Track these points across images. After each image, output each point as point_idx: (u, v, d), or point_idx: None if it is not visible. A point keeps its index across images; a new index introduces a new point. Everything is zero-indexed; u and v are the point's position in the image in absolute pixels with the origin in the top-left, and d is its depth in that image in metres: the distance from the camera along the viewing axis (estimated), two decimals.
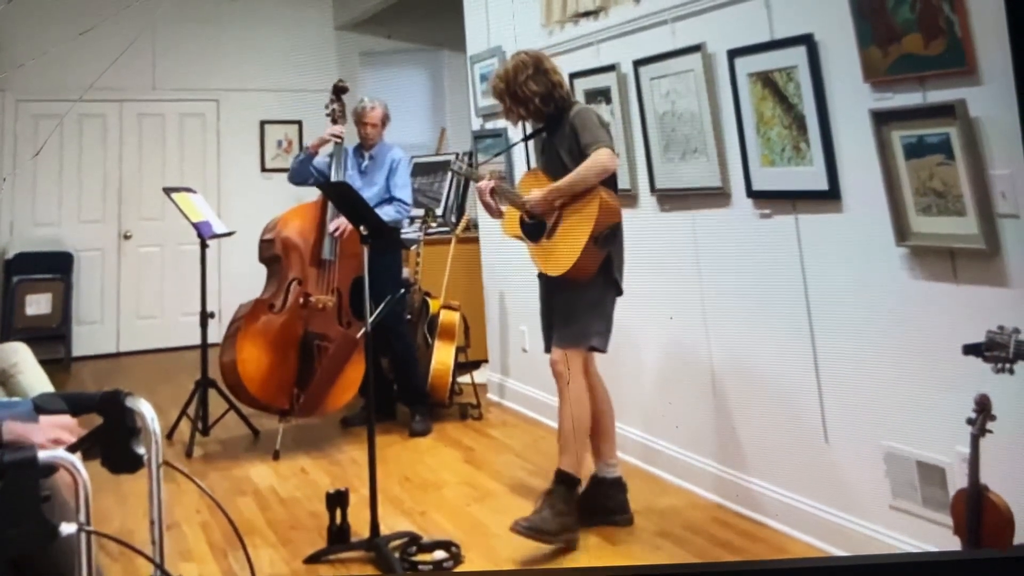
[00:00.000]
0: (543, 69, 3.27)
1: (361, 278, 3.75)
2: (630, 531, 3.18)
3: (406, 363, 4.46)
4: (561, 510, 3.08)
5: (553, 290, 3.26)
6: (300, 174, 4.35)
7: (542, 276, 3.32)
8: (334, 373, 4.10)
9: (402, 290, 4.00)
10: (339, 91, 4.40)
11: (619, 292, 3.23)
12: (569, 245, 3.16)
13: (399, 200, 4.38)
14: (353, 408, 4.30)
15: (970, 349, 2.47)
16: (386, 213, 4.30)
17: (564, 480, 3.13)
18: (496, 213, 3.40)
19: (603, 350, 3.19)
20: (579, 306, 3.17)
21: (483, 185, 3.37)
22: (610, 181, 3.19)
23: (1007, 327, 2.42)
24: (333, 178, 4.28)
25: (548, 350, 3.31)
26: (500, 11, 4.62)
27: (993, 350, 2.43)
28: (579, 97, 3.89)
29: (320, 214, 4.23)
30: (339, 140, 4.33)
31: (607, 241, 3.16)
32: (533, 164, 4.38)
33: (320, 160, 4.35)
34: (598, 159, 3.13)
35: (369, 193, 4.34)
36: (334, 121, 4.36)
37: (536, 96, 3.26)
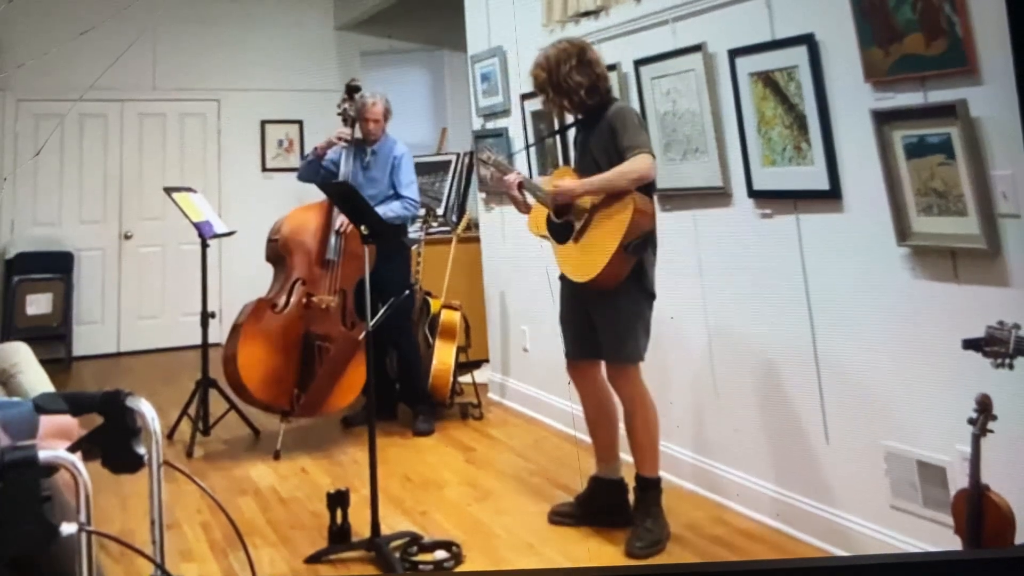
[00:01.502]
0: (587, 60, 3.16)
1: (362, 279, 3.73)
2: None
3: (411, 363, 4.45)
4: (657, 512, 3.08)
5: (587, 301, 3.14)
6: (308, 175, 4.35)
7: (567, 280, 3.21)
8: (335, 374, 4.09)
9: (406, 292, 3.99)
10: (352, 91, 4.39)
11: (653, 298, 3.14)
12: (597, 251, 3.05)
13: (407, 197, 4.36)
14: (354, 407, 4.29)
15: (969, 344, 2.47)
16: (392, 209, 4.29)
17: (649, 485, 3.11)
18: (524, 208, 3.30)
19: (643, 359, 3.13)
20: (625, 321, 3.08)
21: (512, 178, 3.27)
22: (648, 185, 3.09)
23: (1007, 322, 2.42)
24: (342, 175, 4.28)
25: (569, 355, 3.25)
26: (501, 11, 4.62)
27: (992, 345, 2.43)
28: None
29: (326, 214, 4.21)
30: (346, 143, 4.33)
31: (638, 249, 3.05)
32: (534, 163, 4.40)
33: (330, 157, 4.35)
34: (637, 165, 3.01)
35: (373, 190, 4.33)
36: (344, 120, 4.36)
37: (580, 88, 3.13)
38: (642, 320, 3.11)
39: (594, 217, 3.09)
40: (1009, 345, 2.40)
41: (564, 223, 3.16)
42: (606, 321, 3.11)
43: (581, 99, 3.15)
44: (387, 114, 4.42)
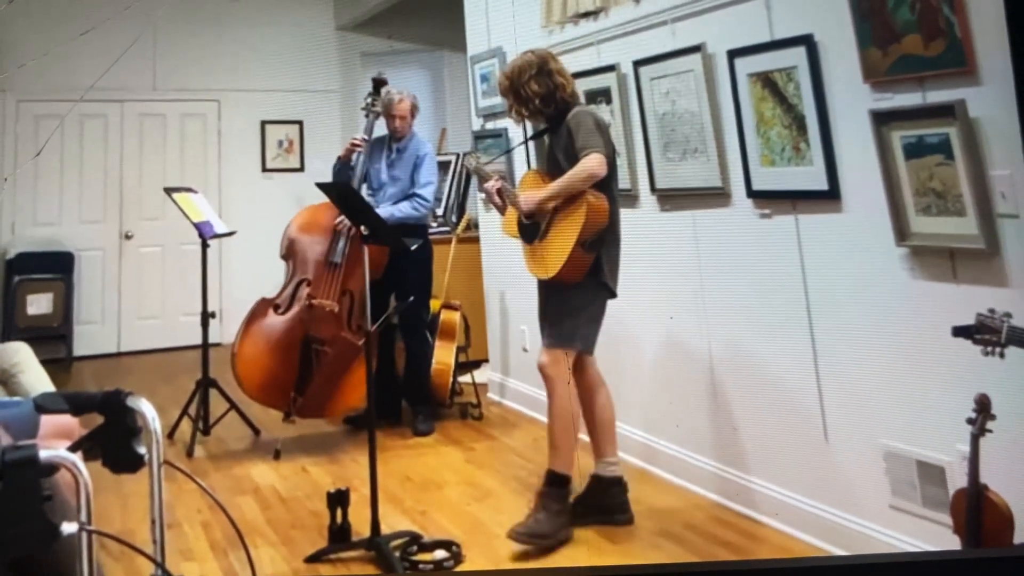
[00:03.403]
0: (547, 70, 3.28)
1: (379, 281, 3.73)
2: (630, 530, 3.19)
3: (419, 363, 4.44)
4: (556, 510, 3.12)
5: (547, 292, 3.30)
6: (339, 179, 4.34)
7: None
8: (334, 379, 4.06)
9: (410, 298, 3.97)
10: (378, 85, 4.40)
11: (611, 295, 3.24)
12: (556, 249, 3.19)
13: (418, 196, 4.35)
14: (359, 408, 4.26)
15: (959, 331, 2.48)
16: (400, 209, 4.28)
17: (556, 481, 3.16)
18: (503, 210, 3.42)
19: (589, 352, 3.22)
20: (567, 309, 3.21)
21: (489, 186, 3.39)
22: (606, 183, 3.18)
23: (997, 311, 2.43)
24: (358, 173, 4.27)
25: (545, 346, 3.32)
26: (500, 12, 4.63)
27: (983, 333, 2.44)
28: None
29: (337, 215, 4.19)
30: (359, 148, 4.32)
31: (594, 245, 3.18)
32: (534, 164, 4.39)
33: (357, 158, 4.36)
34: (586, 165, 3.14)
35: (394, 188, 4.34)
36: (367, 116, 4.37)
37: (536, 97, 3.27)
38: (585, 312, 3.21)
39: (554, 218, 3.22)
40: (1001, 334, 2.41)
41: (532, 224, 3.29)
42: (551, 310, 3.25)
43: (537, 107, 3.30)
44: (414, 111, 4.42)
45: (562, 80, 3.29)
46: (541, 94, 3.27)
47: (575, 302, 3.20)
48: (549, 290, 3.27)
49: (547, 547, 3.06)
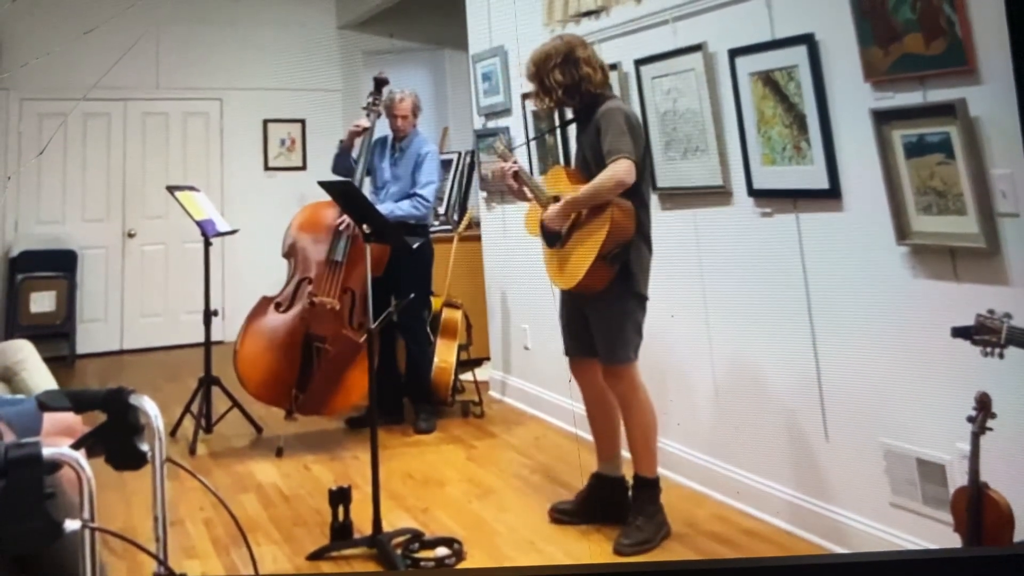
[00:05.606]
0: (573, 59, 3.13)
1: (380, 279, 3.73)
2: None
3: (418, 362, 4.44)
4: (651, 512, 3.08)
5: (582, 301, 3.18)
6: (339, 167, 4.35)
7: None
8: (335, 376, 4.07)
9: (411, 295, 3.96)
10: (379, 84, 4.39)
11: (643, 299, 3.15)
12: (577, 260, 3.08)
13: (417, 195, 4.34)
14: (360, 409, 4.28)
15: (959, 332, 2.48)
16: (400, 208, 4.29)
17: (646, 484, 3.12)
18: (520, 195, 3.31)
19: (635, 359, 3.15)
20: (614, 323, 3.10)
21: (506, 166, 3.28)
22: (636, 187, 3.06)
23: (997, 311, 2.43)
24: (359, 169, 4.28)
25: (567, 353, 3.29)
26: (502, 11, 4.63)
27: (982, 334, 2.44)
28: None
29: (337, 213, 4.20)
30: (359, 132, 4.32)
31: (617, 257, 3.07)
32: (535, 160, 4.40)
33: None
34: (614, 173, 3.00)
35: (395, 187, 4.34)
36: (368, 115, 4.37)
37: (560, 87, 3.14)
38: (631, 321, 3.12)
39: (576, 226, 3.12)
40: (1000, 335, 2.41)
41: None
42: (596, 323, 3.14)
43: (560, 98, 3.18)
44: (416, 110, 4.41)
45: (589, 70, 3.13)
46: (565, 84, 3.13)
47: (619, 314, 3.09)
48: (586, 304, 3.16)
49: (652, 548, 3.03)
